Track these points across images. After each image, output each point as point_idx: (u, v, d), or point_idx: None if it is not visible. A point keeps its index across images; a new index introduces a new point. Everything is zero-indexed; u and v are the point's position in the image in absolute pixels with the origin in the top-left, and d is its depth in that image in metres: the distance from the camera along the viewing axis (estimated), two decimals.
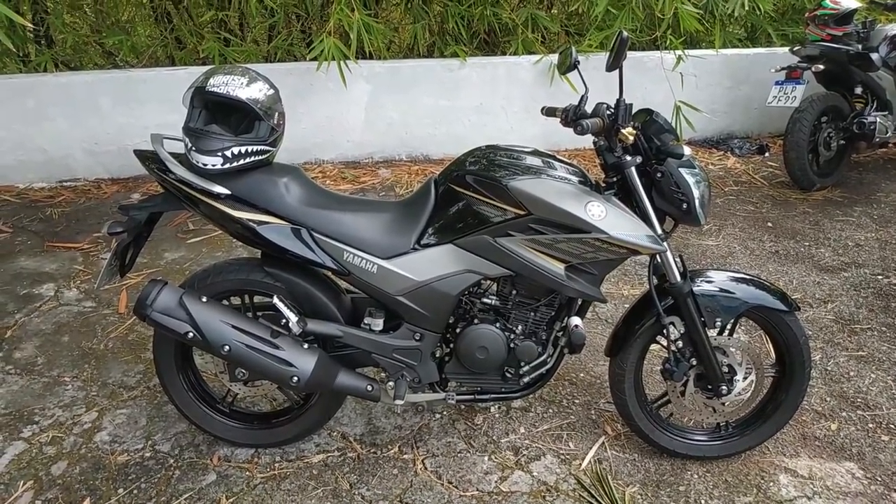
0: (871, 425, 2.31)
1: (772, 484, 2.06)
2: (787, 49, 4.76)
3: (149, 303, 1.80)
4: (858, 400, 2.44)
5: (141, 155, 1.90)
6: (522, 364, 2.01)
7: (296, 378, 1.85)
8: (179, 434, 2.24)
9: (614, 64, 1.72)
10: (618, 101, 1.78)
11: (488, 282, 1.98)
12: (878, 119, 4.28)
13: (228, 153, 1.77)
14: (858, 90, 4.42)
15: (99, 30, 5.40)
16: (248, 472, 2.09)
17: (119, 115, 4.52)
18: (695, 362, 2.01)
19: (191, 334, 1.81)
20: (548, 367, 2.05)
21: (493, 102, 5.10)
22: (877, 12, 5.64)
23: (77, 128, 4.49)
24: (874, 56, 4.24)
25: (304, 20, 5.32)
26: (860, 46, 4.32)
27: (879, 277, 3.35)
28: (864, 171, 4.94)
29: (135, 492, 2.01)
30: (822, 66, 4.31)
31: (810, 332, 2.85)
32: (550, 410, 2.38)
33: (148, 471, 2.09)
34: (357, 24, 4.36)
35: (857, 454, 2.18)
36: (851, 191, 4.55)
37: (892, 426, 2.30)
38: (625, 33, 1.67)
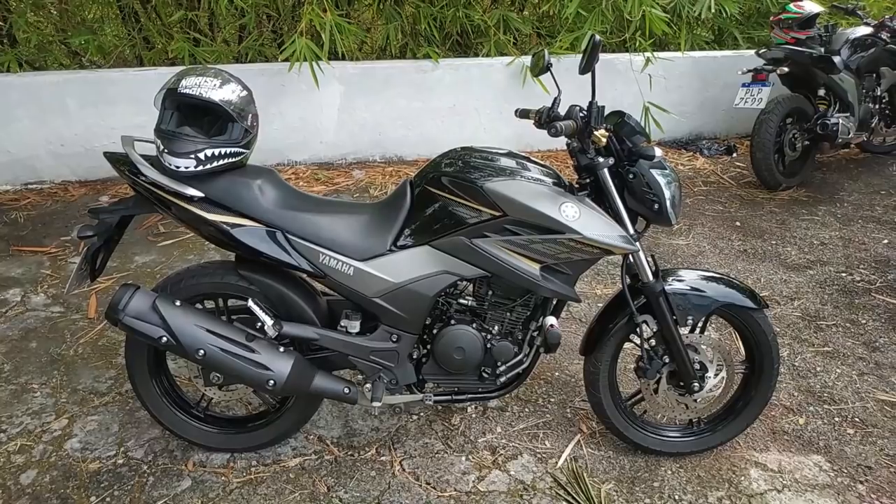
0: (837, 419, 2.38)
1: (743, 478, 2.10)
2: (753, 52, 4.86)
3: (121, 307, 1.78)
4: (825, 394, 2.51)
5: (112, 157, 1.87)
6: (499, 364, 2.03)
7: (272, 381, 1.84)
8: (153, 440, 2.21)
9: (587, 67, 1.74)
10: (590, 103, 1.81)
11: (465, 283, 1.99)
12: (840, 120, 4.39)
13: (201, 155, 1.75)
14: (822, 92, 4.53)
15: (64, 29, 5.28)
16: (223, 478, 2.07)
17: (86, 117, 4.43)
18: (667, 360, 2.04)
19: (164, 339, 1.79)
20: (524, 366, 2.07)
21: (467, 104, 5.11)
22: (838, 16, 5.80)
23: (42, 129, 4.39)
24: (836, 59, 4.35)
25: (276, 20, 5.27)
26: (823, 49, 4.44)
27: (843, 275, 3.44)
28: (827, 172, 5.07)
29: (107, 499, 1.98)
30: (786, 69, 4.41)
31: (778, 329, 2.91)
32: (527, 410, 2.40)
33: (121, 478, 2.06)
34: (329, 24, 4.34)
35: (824, 447, 2.24)
36: (816, 190, 4.66)
37: (857, 420, 2.37)
38: (597, 37, 1.69)
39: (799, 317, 3.04)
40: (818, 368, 2.66)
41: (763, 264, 3.57)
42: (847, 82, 4.47)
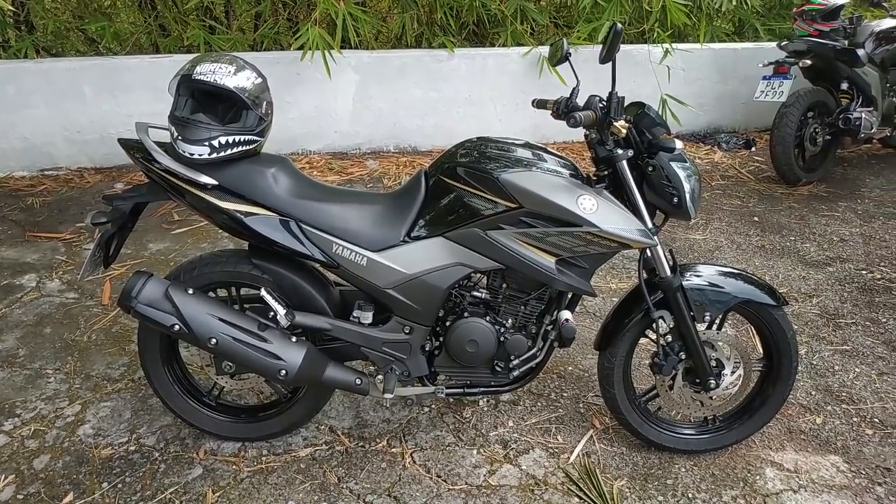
0: (855, 419, 2.34)
1: (758, 477, 2.07)
2: (774, 44, 4.78)
3: (134, 294, 1.77)
4: (843, 394, 2.46)
5: (125, 144, 1.86)
6: (512, 357, 2.01)
7: (284, 371, 1.83)
8: (165, 427, 2.21)
9: (607, 56, 1.71)
10: (610, 93, 1.77)
11: (479, 275, 1.97)
12: (863, 115, 4.32)
13: (215, 143, 1.74)
14: (844, 86, 4.45)
15: (81, 16, 5.29)
16: (234, 466, 2.07)
17: (102, 103, 4.45)
18: (683, 356, 2.01)
19: (177, 327, 1.78)
20: (537, 360, 2.04)
21: (482, 94, 5.07)
22: (863, 8, 5.68)
23: (59, 115, 4.41)
24: (860, 52, 4.27)
25: (291, 8, 5.26)
26: (846, 42, 4.35)
27: (863, 272, 3.38)
28: (848, 167, 4.98)
29: (119, 486, 1.98)
30: (809, 62, 4.33)
31: (796, 327, 2.87)
32: (539, 404, 2.38)
33: (132, 465, 2.06)
34: (343, 13, 4.32)
35: (842, 448, 2.20)
36: (836, 186, 4.59)
37: (876, 420, 2.33)
38: (618, 25, 1.65)
39: (817, 314, 2.99)
40: (836, 367, 2.62)
41: (781, 260, 3.52)
42: (871, 76, 4.40)
